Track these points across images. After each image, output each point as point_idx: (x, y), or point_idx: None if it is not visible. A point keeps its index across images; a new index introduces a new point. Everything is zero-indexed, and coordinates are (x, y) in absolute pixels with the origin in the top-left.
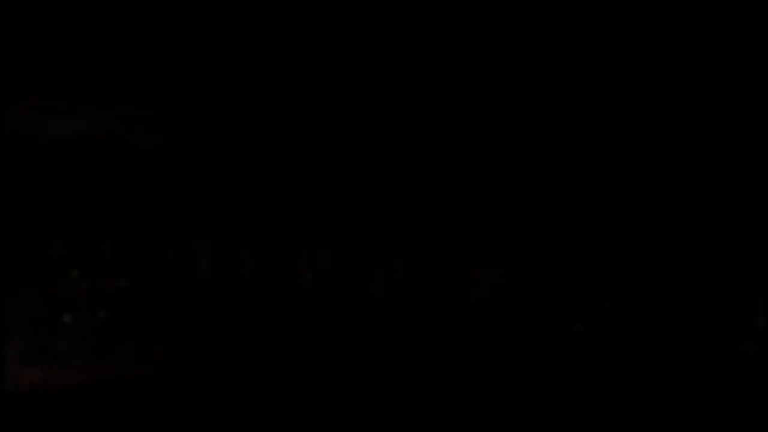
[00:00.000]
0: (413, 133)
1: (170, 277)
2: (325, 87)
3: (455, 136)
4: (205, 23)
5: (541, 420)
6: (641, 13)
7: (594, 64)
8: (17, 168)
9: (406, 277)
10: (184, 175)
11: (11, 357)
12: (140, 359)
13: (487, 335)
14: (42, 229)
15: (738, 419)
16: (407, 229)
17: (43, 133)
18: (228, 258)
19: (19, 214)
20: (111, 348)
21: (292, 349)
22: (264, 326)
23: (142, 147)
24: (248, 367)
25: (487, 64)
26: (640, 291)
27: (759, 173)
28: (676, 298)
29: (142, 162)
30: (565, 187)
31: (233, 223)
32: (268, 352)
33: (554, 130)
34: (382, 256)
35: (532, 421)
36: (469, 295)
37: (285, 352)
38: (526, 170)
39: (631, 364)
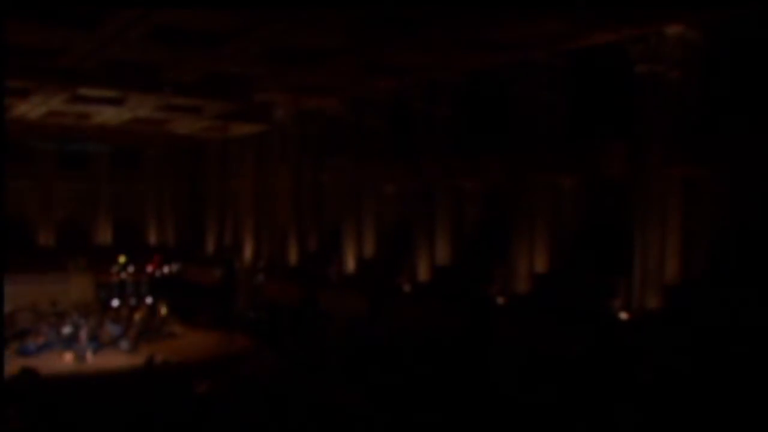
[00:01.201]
0: None
1: (213, 264)
2: None
3: None
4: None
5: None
6: None
7: None
8: (65, 159)
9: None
10: (220, 159)
11: (62, 340)
12: (186, 345)
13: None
14: (90, 217)
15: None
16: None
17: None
18: (273, 247)
19: (69, 203)
20: (157, 333)
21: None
22: (311, 313)
23: (180, 132)
24: (293, 350)
25: None
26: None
27: None
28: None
29: (181, 143)
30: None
31: (277, 214)
32: (314, 338)
33: None
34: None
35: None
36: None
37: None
38: None
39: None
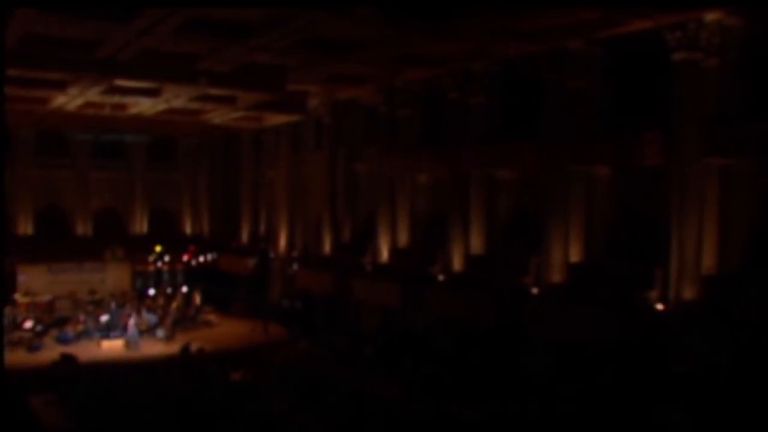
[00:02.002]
0: None
1: (248, 253)
2: None
3: None
4: None
5: None
6: None
7: None
8: (100, 148)
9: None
10: (253, 149)
11: (100, 329)
12: (221, 334)
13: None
14: (126, 206)
15: None
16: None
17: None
18: (307, 237)
19: (105, 193)
20: (192, 322)
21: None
22: (345, 302)
23: (215, 123)
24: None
25: None
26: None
27: None
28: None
29: (216, 134)
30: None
31: (311, 204)
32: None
33: None
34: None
35: None
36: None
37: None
38: None
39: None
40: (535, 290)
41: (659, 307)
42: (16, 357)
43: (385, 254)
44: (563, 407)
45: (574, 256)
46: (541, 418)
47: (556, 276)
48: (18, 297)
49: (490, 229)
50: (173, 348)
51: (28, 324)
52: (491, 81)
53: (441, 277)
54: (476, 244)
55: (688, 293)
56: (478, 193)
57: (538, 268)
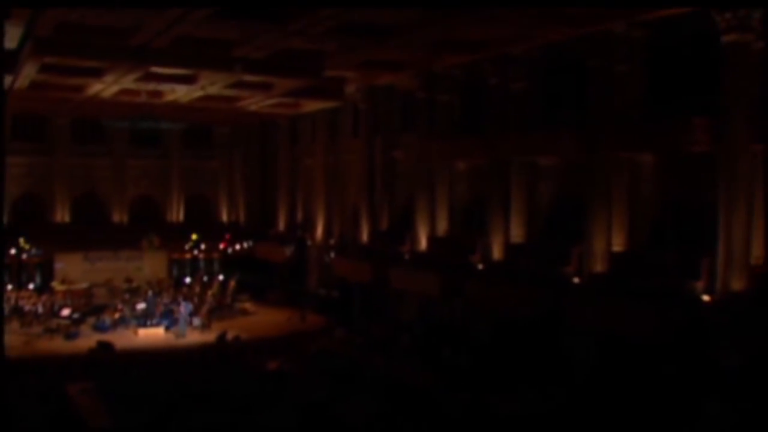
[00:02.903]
0: None
1: (284, 241)
2: None
3: None
4: None
5: None
6: None
7: None
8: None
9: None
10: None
11: (136, 318)
12: (257, 323)
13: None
14: (162, 194)
15: None
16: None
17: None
18: (344, 225)
19: (141, 181)
20: (229, 310)
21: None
22: (382, 291)
23: (251, 109)
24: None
25: None
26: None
27: None
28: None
29: (252, 120)
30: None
31: (348, 192)
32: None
33: None
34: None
35: None
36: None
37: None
38: None
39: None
40: (576, 280)
41: (705, 298)
42: (54, 345)
43: (423, 242)
44: (605, 400)
45: (617, 245)
46: (582, 411)
47: (599, 265)
48: (55, 285)
49: (530, 217)
50: (209, 336)
51: (66, 312)
52: (532, 66)
53: (480, 266)
54: (516, 232)
55: (736, 284)
56: (519, 180)
57: (579, 257)
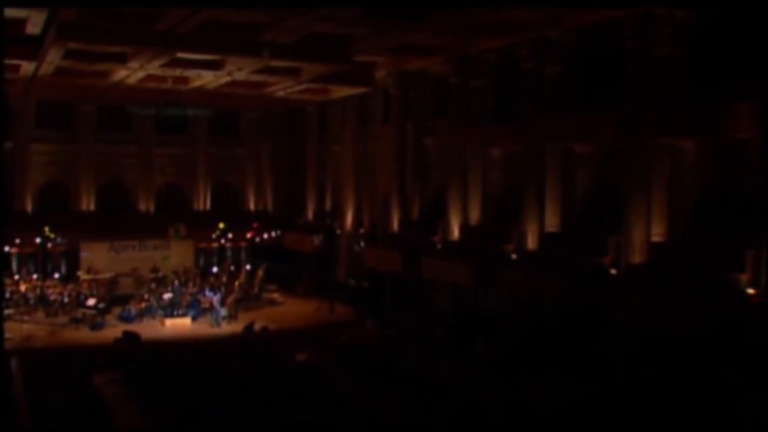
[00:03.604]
0: None
1: (313, 230)
2: None
3: None
4: None
5: None
6: None
7: None
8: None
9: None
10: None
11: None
12: (285, 313)
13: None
14: (188, 182)
15: None
16: None
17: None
18: (374, 214)
19: (168, 169)
20: (256, 301)
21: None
22: (413, 281)
23: (279, 96)
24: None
25: None
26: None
27: None
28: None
29: (280, 107)
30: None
31: (378, 180)
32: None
33: None
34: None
35: None
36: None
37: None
38: None
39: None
40: (613, 271)
41: (750, 291)
42: (79, 335)
43: (455, 232)
44: (643, 394)
45: (657, 235)
46: (618, 406)
47: (637, 256)
48: (80, 274)
49: (566, 205)
50: (236, 327)
51: (91, 302)
52: (568, 49)
53: (514, 256)
54: (552, 221)
55: None
56: (555, 167)
57: (617, 247)
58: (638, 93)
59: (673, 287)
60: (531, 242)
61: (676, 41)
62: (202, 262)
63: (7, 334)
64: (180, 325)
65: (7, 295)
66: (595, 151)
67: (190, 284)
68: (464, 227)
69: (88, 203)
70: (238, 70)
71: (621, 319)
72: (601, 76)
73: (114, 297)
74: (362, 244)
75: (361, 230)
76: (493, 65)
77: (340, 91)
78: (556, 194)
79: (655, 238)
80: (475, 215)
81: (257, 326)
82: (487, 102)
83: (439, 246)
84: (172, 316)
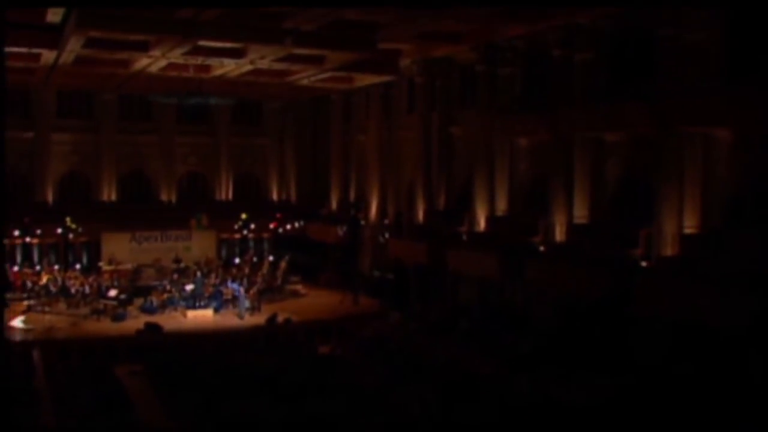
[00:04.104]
0: None
1: (337, 221)
2: None
3: None
4: None
5: None
6: None
7: None
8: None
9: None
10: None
11: (184, 299)
12: (309, 305)
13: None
14: (210, 172)
15: None
16: None
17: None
18: (399, 204)
19: (190, 158)
20: (279, 292)
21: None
22: (439, 273)
23: (302, 84)
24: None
25: None
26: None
27: None
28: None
29: (303, 95)
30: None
31: (403, 170)
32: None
33: None
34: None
35: None
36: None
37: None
38: None
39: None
40: (644, 263)
41: None
42: (101, 326)
43: (482, 223)
44: (676, 391)
45: (690, 227)
46: (650, 402)
47: (669, 248)
48: (102, 265)
49: (596, 196)
50: (259, 319)
51: (113, 293)
52: (598, 35)
53: (542, 248)
54: (580, 212)
55: None
56: (584, 157)
57: (648, 239)
58: (671, 80)
59: (707, 280)
60: (559, 234)
61: (711, 26)
62: (224, 253)
63: (28, 325)
64: (202, 316)
65: (29, 285)
66: (626, 140)
67: (213, 275)
68: (491, 218)
69: (109, 193)
70: (261, 59)
71: (652, 312)
72: (631, 63)
73: (136, 288)
74: (387, 235)
75: (386, 221)
76: (520, 52)
77: (365, 80)
78: (585, 184)
79: (688, 230)
80: (502, 206)
81: (280, 318)
82: (514, 90)
83: (465, 237)
84: (194, 307)
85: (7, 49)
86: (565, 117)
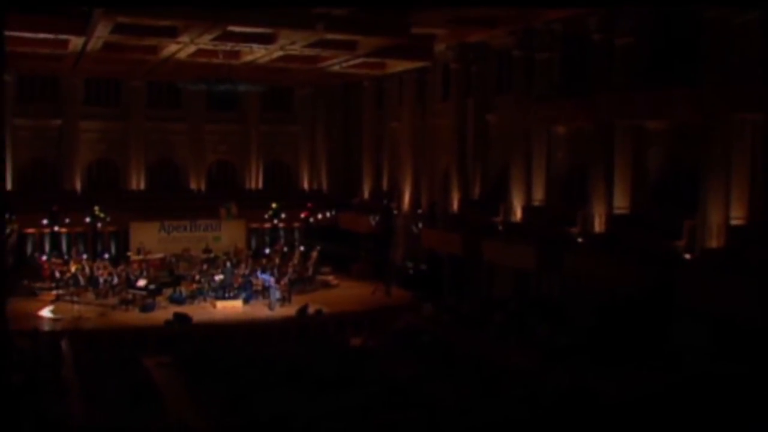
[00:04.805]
0: None
1: (369, 211)
2: None
3: None
4: None
5: None
6: None
7: None
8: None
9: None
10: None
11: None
12: (340, 296)
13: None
14: (240, 160)
15: None
16: None
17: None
18: (433, 193)
19: (219, 146)
20: (310, 283)
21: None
22: (474, 264)
23: (334, 70)
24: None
25: None
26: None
27: None
28: None
29: (335, 82)
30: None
31: (438, 158)
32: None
33: None
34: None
35: None
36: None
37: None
38: None
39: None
40: (688, 256)
41: None
42: (129, 316)
43: (518, 213)
44: (718, 390)
45: (736, 218)
46: (691, 400)
47: (714, 240)
48: (131, 255)
49: (637, 186)
50: (289, 310)
51: (141, 283)
52: (640, 18)
53: (580, 239)
54: (621, 202)
55: None
56: (624, 145)
57: (692, 230)
58: (716, 65)
59: (756, 273)
60: (598, 224)
61: (760, 8)
62: (254, 242)
63: (57, 315)
64: (231, 307)
65: (57, 275)
66: (669, 127)
67: (242, 266)
68: (527, 208)
69: (138, 182)
70: (291, 44)
71: (696, 306)
72: (675, 47)
73: (164, 278)
74: (420, 225)
75: (420, 210)
76: (559, 37)
77: (398, 66)
78: (626, 174)
79: (735, 221)
80: (539, 195)
81: (311, 309)
82: (552, 76)
83: (500, 228)
84: (223, 298)
85: (35, 36)
86: (605, 103)
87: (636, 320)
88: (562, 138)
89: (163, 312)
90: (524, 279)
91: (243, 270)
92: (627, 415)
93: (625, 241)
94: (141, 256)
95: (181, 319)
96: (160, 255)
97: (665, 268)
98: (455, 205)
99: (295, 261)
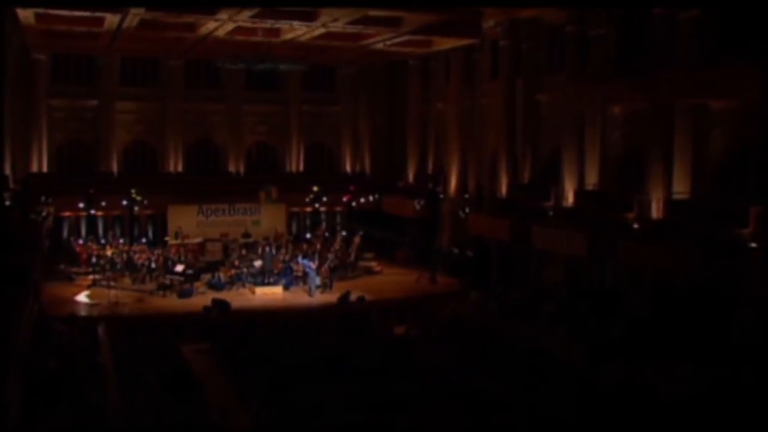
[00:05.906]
0: None
1: (414, 195)
2: None
3: None
4: None
5: None
6: None
7: None
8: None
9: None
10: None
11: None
12: (383, 283)
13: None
14: (280, 142)
15: None
16: None
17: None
18: (481, 177)
19: (258, 127)
20: (352, 269)
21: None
22: (523, 251)
23: (377, 48)
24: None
25: None
26: None
27: None
28: None
29: (379, 61)
30: None
31: (485, 140)
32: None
33: None
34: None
35: None
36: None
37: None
38: None
39: None
40: (753, 245)
41: None
42: (167, 302)
43: (570, 197)
44: None
45: None
46: (752, 397)
47: None
48: (169, 239)
49: (698, 170)
50: (330, 297)
51: (179, 268)
52: None
53: (636, 225)
54: (681, 187)
55: None
56: (685, 126)
57: (759, 218)
58: None
59: None
60: (656, 210)
61: None
62: (294, 227)
63: (93, 300)
64: (271, 294)
65: (93, 260)
66: (734, 107)
67: (282, 251)
68: (580, 192)
69: (175, 164)
70: (333, 21)
71: (762, 298)
72: (743, 21)
73: (203, 263)
74: (467, 209)
75: (466, 195)
76: (615, 12)
77: (444, 43)
78: (687, 157)
79: None
80: (592, 179)
81: (353, 297)
82: (608, 53)
83: (551, 213)
84: (262, 284)
85: (70, 13)
86: (664, 82)
87: (695, 312)
88: (618, 118)
89: (201, 298)
90: (576, 267)
91: (283, 255)
92: (683, 414)
93: (684, 228)
94: (179, 241)
95: (220, 305)
96: (198, 239)
97: (729, 257)
98: (504, 189)
99: (337, 246)
